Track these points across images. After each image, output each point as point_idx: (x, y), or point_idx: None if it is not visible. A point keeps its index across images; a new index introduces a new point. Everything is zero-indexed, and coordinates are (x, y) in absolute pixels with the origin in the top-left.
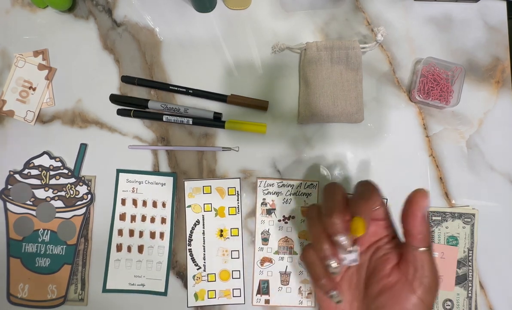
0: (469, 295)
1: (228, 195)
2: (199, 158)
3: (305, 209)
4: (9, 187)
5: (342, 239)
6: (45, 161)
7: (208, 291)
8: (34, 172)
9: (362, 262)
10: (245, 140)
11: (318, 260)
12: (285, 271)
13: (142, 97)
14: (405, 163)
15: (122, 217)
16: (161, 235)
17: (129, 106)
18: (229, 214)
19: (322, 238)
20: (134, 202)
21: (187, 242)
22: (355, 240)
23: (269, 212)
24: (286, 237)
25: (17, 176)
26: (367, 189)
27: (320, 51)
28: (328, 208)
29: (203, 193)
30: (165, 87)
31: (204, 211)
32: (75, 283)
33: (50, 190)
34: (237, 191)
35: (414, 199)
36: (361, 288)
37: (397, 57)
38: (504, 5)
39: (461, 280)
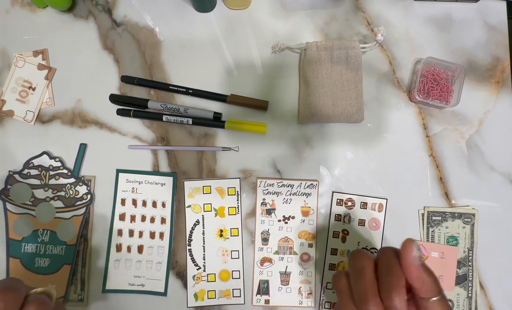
0: (469, 295)
1: (228, 195)
2: (199, 157)
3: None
4: (9, 187)
5: None
6: (44, 161)
7: (208, 291)
8: (34, 172)
9: None
10: (245, 140)
11: (349, 290)
12: (285, 271)
13: (142, 97)
14: (405, 163)
15: (122, 217)
16: (161, 235)
17: (128, 106)
18: (229, 214)
19: None
20: (134, 202)
21: (187, 242)
22: None
23: (269, 212)
24: (286, 237)
25: (16, 176)
26: (393, 265)
27: (320, 51)
28: (361, 291)
29: (203, 193)
30: (165, 87)
31: (204, 211)
32: (74, 283)
33: (50, 190)
34: (237, 191)
35: (403, 255)
36: None
37: (397, 57)
38: (504, 5)
39: (461, 280)
